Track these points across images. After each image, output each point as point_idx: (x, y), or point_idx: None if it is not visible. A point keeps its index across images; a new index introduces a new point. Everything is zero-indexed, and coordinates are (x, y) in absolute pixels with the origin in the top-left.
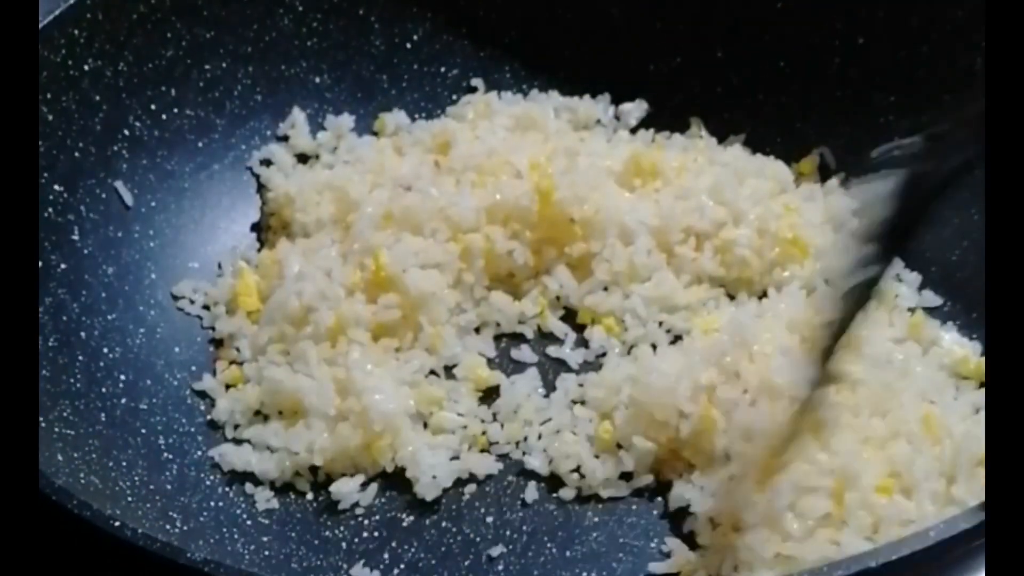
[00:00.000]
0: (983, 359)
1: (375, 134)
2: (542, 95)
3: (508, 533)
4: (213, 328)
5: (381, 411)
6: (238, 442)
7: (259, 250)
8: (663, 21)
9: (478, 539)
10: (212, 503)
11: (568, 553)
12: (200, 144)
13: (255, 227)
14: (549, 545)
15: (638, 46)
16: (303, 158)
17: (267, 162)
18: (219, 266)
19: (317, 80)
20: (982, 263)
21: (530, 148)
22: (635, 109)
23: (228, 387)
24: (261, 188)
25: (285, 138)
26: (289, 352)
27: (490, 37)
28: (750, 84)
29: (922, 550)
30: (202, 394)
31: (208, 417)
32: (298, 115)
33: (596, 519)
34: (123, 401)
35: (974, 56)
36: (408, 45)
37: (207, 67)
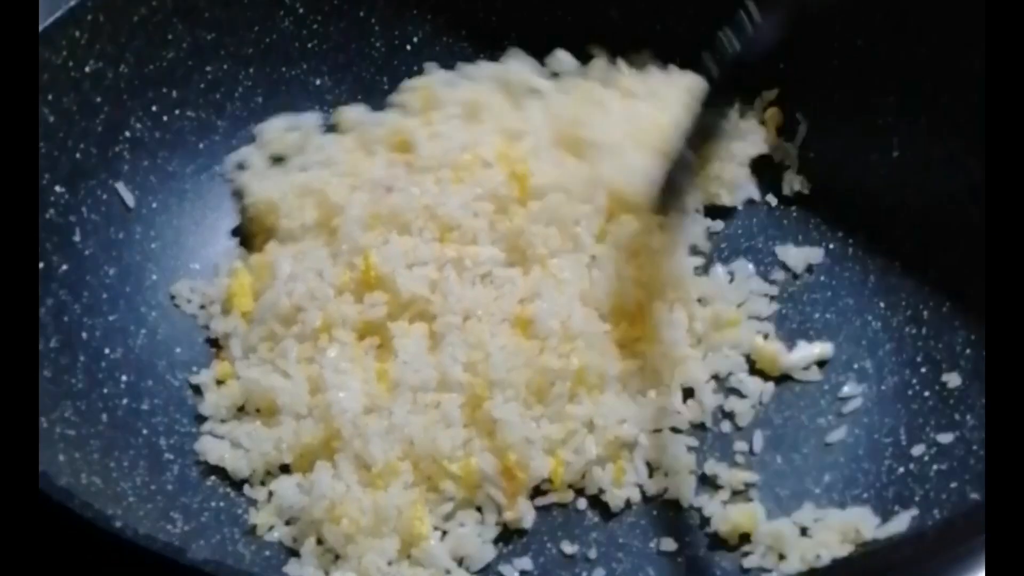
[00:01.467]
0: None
1: (332, 128)
2: (471, 66)
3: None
4: (208, 327)
5: (342, 408)
6: (219, 437)
7: (250, 253)
8: (663, 24)
9: None
10: (213, 503)
11: (568, 551)
12: (201, 145)
13: (235, 232)
14: (548, 545)
15: (637, 50)
16: (274, 159)
17: (240, 166)
18: (216, 266)
19: (318, 82)
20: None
21: (487, 136)
22: (566, 59)
23: (219, 383)
24: (236, 193)
25: (253, 139)
26: (274, 350)
27: (490, 39)
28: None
29: (922, 550)
30: (203, 394)
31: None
32: (274, 119)
33: (595, 519)
34: (124, 401)
35: (974, 56)
36: (408, 47)
37: (208, 69)
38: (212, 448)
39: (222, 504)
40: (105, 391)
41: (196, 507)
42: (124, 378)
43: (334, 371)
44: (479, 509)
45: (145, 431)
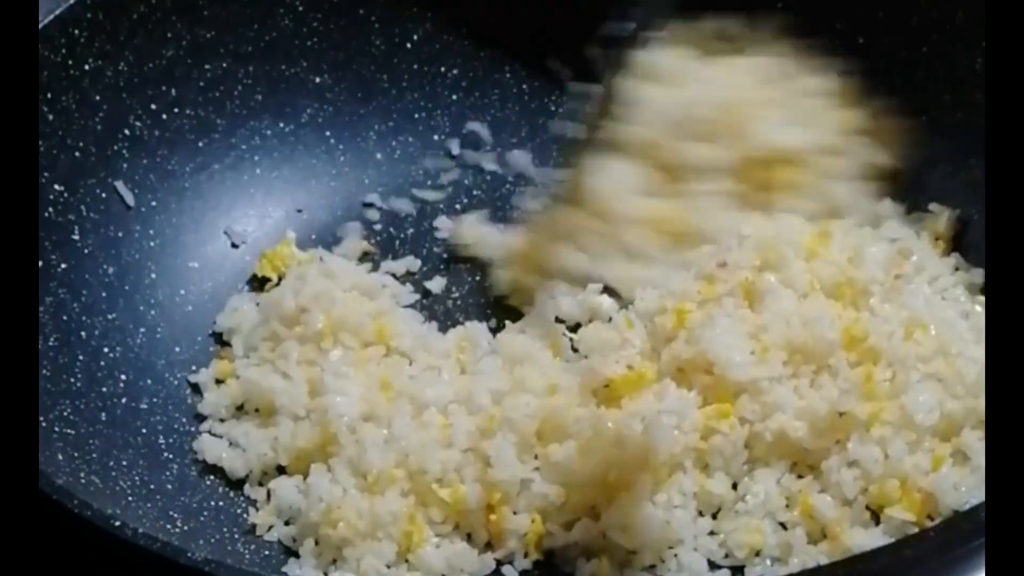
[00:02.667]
0: None
1: None
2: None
3: None
4: (215, 322)
5: (339, 412)
6: (218, 436)
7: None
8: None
9: None
10: (212, 503)
11: None
12: (200, 144)
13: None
14: None
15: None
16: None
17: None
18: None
19: (317, 80)
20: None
21: None
22: None
23: (218, 382)
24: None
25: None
26: (275, 350)
27: (490, 37)
28: None
29: (922, 550)
30: (202, 393)
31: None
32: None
33: None
34: (123, 400)
35: (974, 56)
36: (408, 45)
37: (207, 67)
38: (210, 447)
39: (221, 504)
40: (104, 390)
41: (195, 506)
42: (123, 377)
43: (335, 375)
44: (469, 536)
45: (144, 430)
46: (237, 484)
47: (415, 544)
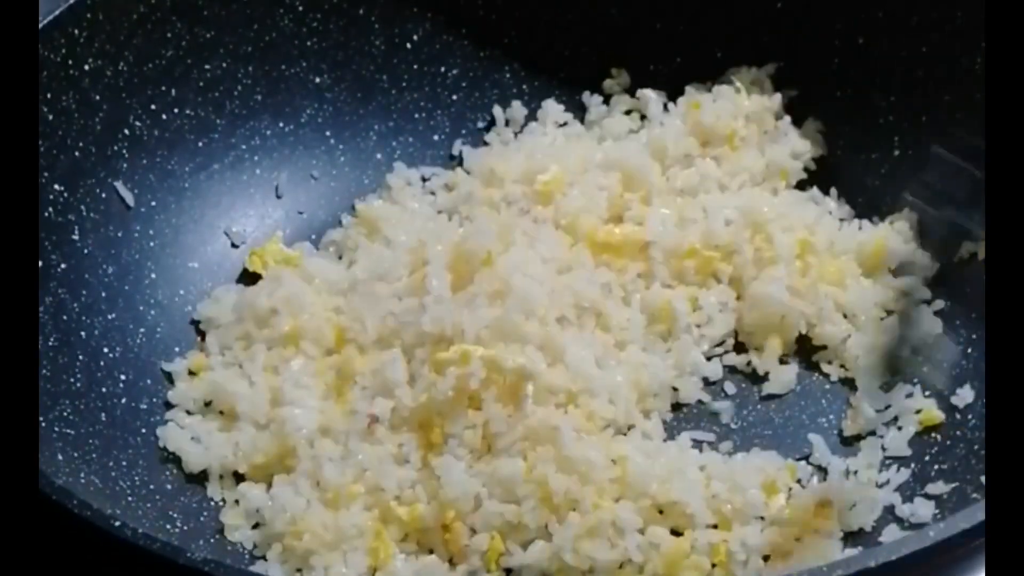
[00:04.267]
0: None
1: None
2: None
3: None
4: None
5: (296, 425)
6: (182, 427)
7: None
8: (663, 21)
9: None
10: (212, 502)
11: None
12: (200, 144)
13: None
14: None
15: (637, 47)
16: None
17: None
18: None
19: (317, 80)
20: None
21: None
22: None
23: (191, 373)
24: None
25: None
26: (247, 351)
27: (490, 37)
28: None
29: (922, 550)
30: (174, 382)
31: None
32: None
33: None
34: (123, 401)
35: (974, 56)
36: (408, 45)
37: (207, 67)
38: (173, 436)
39: (221, 504)
40: (104, 390)
41: (195, 506)
42: (123, 377)
43: (294, 385)
44: (431, 552)
45: (144, 430)
46: (237, 484)
47: (382, 561)
